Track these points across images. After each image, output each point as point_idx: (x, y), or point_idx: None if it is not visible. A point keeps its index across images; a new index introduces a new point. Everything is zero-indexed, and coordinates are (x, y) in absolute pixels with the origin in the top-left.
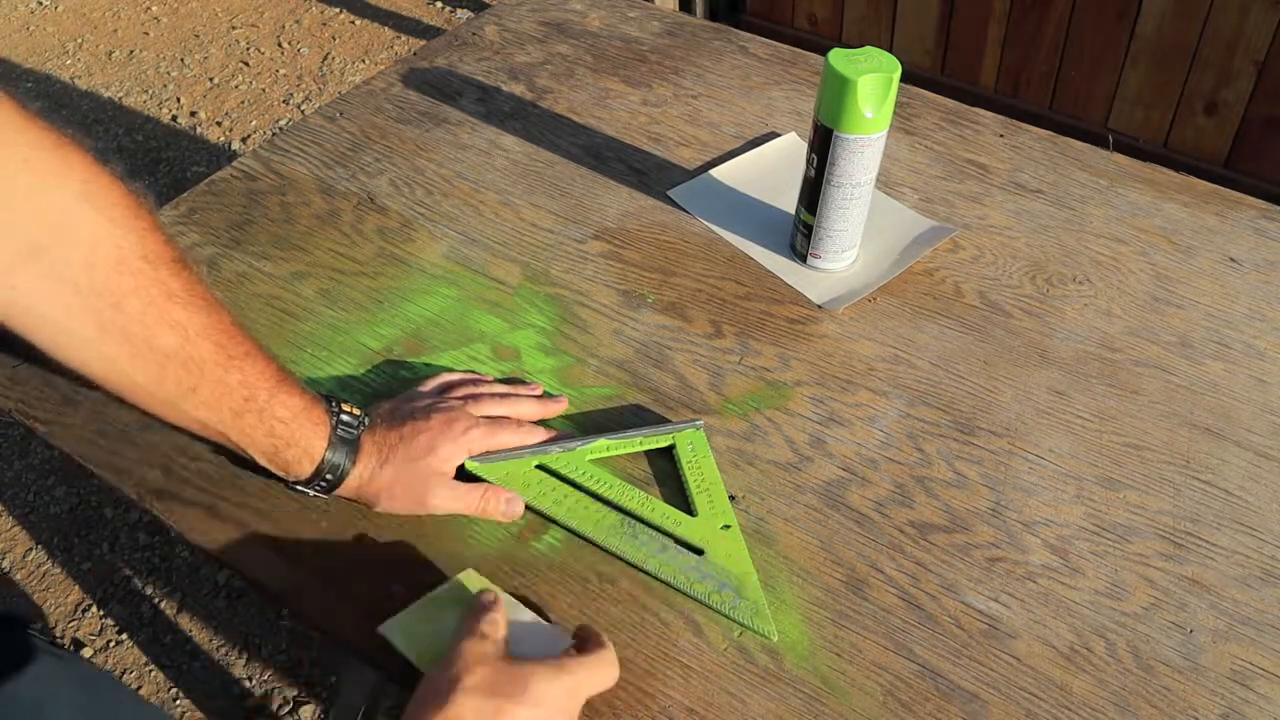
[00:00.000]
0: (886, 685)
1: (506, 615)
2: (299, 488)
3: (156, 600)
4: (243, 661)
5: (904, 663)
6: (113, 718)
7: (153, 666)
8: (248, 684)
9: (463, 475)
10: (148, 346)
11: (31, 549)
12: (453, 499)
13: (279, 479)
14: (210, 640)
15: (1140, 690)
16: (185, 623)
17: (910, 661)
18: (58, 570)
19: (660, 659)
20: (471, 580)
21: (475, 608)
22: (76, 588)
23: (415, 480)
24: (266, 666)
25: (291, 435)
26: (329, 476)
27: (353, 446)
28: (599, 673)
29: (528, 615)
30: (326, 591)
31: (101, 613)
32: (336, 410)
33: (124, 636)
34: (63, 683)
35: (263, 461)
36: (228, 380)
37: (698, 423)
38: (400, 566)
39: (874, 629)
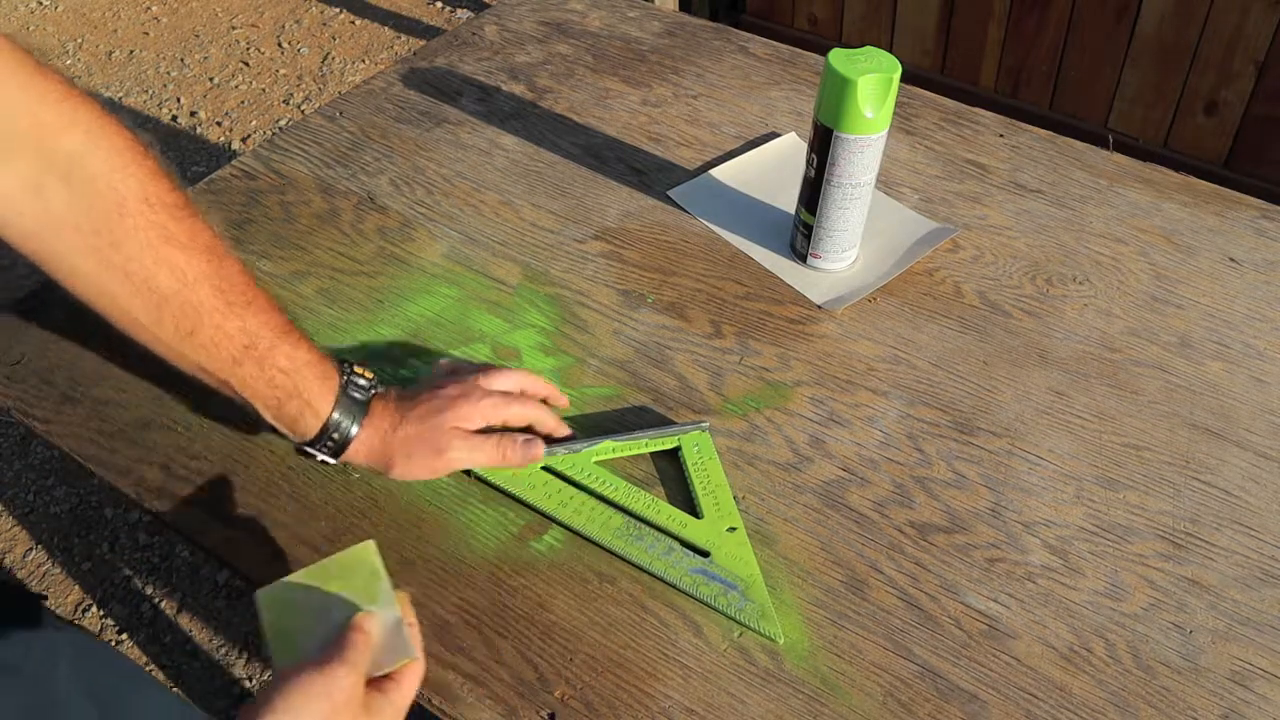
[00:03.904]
0: (886, 686)
1: (377, 619)
2: (308, 449)
3: (156, 600)
4: (243, 661)
5: (904, 663)
6: (116, 694)
7: (153, 666)
8: (248, 684)
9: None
10: (146, 287)
11: (31, 549)
12: (470, 450)
13: (292, 442)
14: (210, 640)
15: (1140, 691)
16: (185, 623)
17: (910, 662)
18: (58, 570)
19: (660, 659)
20: (364, 556)
21: (346, 635)
22: (76, 588)
23: (432, 436)
24: (266, 666)
25: (294, 386)
26: (335, 436)
27: (362, 408)
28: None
29: (392, 618)
30: None
31: (101, 613)
32: (348, 371)
33: (124, 636)
34: (70, 657)
35: (268, 417)
36: (226, 327)
37: (704, 424)
38: (400, 567)
39: (874, 629)
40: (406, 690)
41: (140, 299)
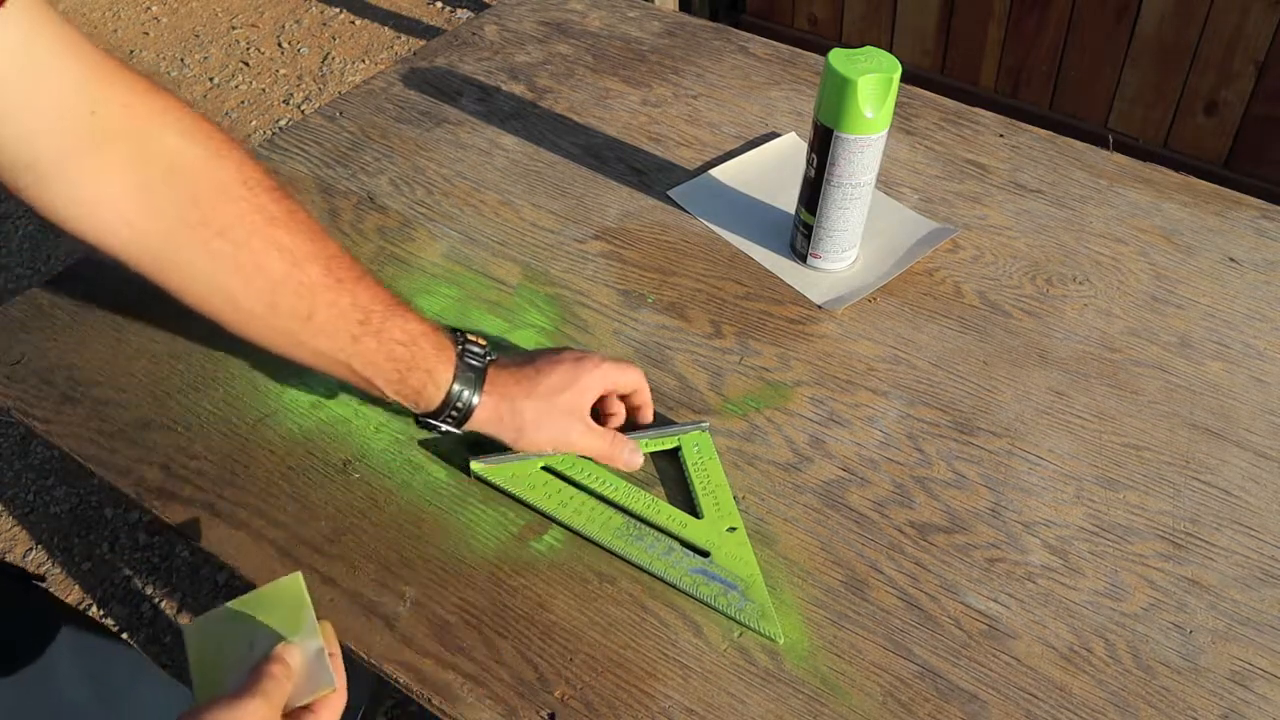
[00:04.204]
0: (886, 686)
1: (298, 653)
2: (432, 421)
3: (156, 600)
4: None
5: (904, 663)
6: (116, 680)
7: None
8: None
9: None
10: (259, 272)
11: (31, 549)
12: (587, 437)
13: (414, 416)
14: None
15: (1140, 691)
16: (185, 623)
17: (910, 662)
18: (58, 570)
19: (660, 659)
20: (291, 588)
21: (264, 667)
22: (76, 588)
23: (559, 415)
24: None
25: (413, 358)
26: (458, 405)
27: (480, 375)
28: None
29: (314, 647)
30: (325, 591)
31: (101, 613)
32: (462, 340)
33: (124, 636)
34: (70, 643)
35: (391, 393)
36: (340, 304)
37: (704, 424)
38: (400, 567)
39: (874, 629)
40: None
41: (254, 288)
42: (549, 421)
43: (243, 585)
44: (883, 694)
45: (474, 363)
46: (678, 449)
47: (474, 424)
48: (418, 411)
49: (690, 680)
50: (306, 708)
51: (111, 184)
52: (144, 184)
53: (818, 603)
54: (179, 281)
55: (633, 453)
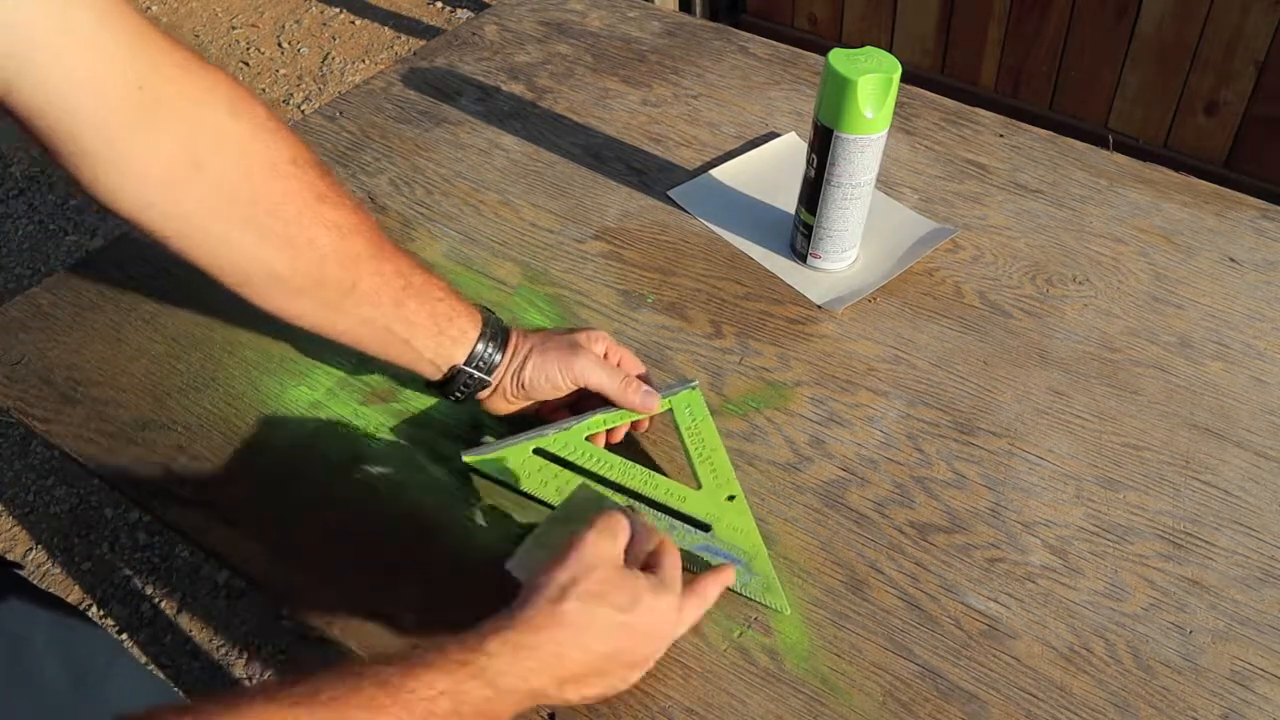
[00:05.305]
0: (886, 686)
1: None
2: (463, 370)
3: (156, 600)
4: (243, 661)
5: (904, 663)
6: (92, 664)
7: (153, 666)
8: (248, 684)
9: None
10: (307, 247)
11: (31, 549)
12: (598, 368)
13: (432, 382)
14: (210, 640)
15: (1140, 691)
16: (185, 623)
17: (910, 662)
18: (58, 570)
19: (660, 659)
20: (588, 497)
21: (606, 511)
22: (76, 588)
23: (564, 343)
24: (266, 666)
25: (452, 309)
26: (489, 351)
27: (501, 325)
28: (699, 607)
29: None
30: (326, 591)
31: (101, 613)
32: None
33: (124, 636)
34: (47, 626)
35: (426, 350)
36: (383, 270)
37: (693, 383)
38: (401, 566)
39: (874, 630)
40: (668, 567)
41: (302, 262)
42: (556, 346)
43: (243, 585)
44: (883, 694)
45: (495, 315)
46: (669, 412)
47: (499, 370)
48: (444, 367)
49: (690, 680)
50: (651, 559)
51: (159, 161)
52: (192, 161)
53: (818, 603)
54: (221, 258)
55: (647, 394)
